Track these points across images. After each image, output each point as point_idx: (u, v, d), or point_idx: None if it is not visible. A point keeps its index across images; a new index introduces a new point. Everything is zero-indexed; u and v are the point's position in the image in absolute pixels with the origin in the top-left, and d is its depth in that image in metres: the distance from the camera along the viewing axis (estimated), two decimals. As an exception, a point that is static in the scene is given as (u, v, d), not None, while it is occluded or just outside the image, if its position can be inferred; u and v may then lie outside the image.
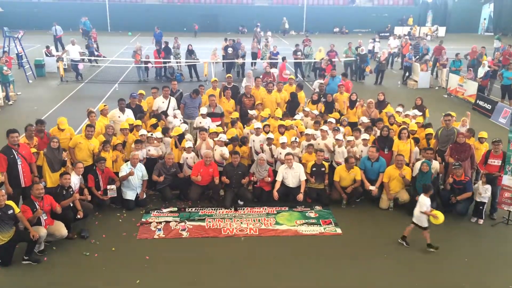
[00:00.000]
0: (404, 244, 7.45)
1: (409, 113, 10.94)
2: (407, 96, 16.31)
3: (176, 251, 7.29)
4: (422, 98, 11.76)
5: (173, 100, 11.39)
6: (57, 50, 24.12)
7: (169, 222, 8.17)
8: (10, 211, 6.61)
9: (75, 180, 7.95)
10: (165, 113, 10.98)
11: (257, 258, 7.15)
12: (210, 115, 10.81)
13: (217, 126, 10.22)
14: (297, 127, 10.13)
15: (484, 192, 8.18)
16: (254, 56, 23.04)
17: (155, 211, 8.58)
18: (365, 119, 10.49)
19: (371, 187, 8.79)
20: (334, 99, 11.77)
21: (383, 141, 9.43)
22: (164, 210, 8.61)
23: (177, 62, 21.37)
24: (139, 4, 41.30)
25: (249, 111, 11.07)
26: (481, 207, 8.30)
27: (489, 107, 15.51)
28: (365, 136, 9.45)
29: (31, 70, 20.35)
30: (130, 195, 8.59)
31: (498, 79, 17.72)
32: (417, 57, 21.79)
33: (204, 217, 8.36)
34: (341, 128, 9.95)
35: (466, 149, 8.81)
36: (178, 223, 8.14)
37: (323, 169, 9.00)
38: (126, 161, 8.96)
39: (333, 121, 10.24)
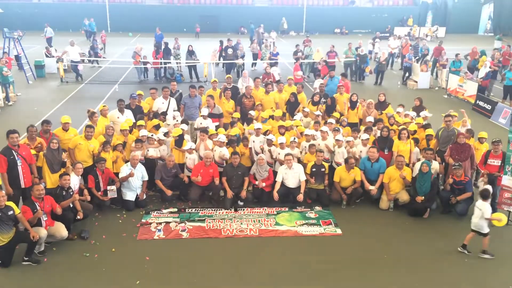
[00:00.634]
0: (465, 253, 7.25)
1: (409, 113, 10.94)
2: (407, 97, 16.30)
3: (176, 251, 7.29)
4: (421, 99, 11.76)
5: (173, 101, 11.38)
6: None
7: (169, 222, 8.17)
8: (10, 212, 6.61)
9: (74, 181, 7.97)
10: (164, 114, 10.98)
11: (257, 258, 7.15)
12: (208, 115, 10.79)
13: (216, 126, 10.20)
14: (297, 127, 10.14)
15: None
16: (255, 56, 23.04)
17: (155, 211, 8.58)
18: (371, 119, 10.49)
19: (371, 187, 8.80)
20: (335, 100, 11.76)
21: (383, 142, 9.43)
22: (164, 211, 8.61)
23: (177, 63, 21.37)
24: (139, 5, 41.32)
25: (249, 112, 11.07)
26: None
27: (489, 107, 15.52)
28: (364, 136, 9.46)
29: (31, 71, 20.34)
30: (130, 195, 8.60)
31: (499, 80, 17.74)
32: (417, 57, 21.79)
33: (204, 218, 8.36)
34: (341, 129, 9.95)
35: (466, 149, 8.82)
36: (178, 223, 8.14)
37: (323, 169, 9.00)
38: (126, 161, 8.97)
39: (333, 121, 10.25)
